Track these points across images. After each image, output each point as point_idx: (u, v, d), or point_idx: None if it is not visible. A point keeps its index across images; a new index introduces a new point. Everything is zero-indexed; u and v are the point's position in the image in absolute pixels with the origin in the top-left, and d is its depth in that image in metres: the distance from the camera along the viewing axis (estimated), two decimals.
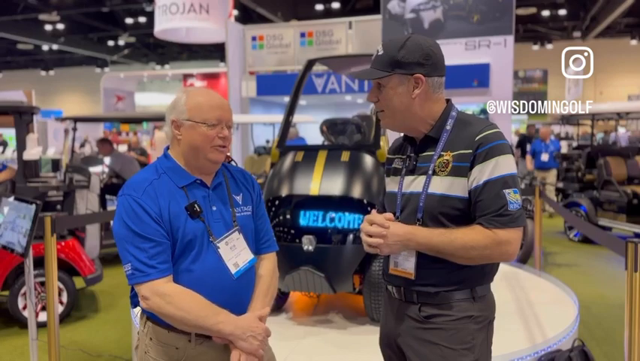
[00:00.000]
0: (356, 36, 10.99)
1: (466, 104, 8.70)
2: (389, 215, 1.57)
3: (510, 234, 1.50)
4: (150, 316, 1.62)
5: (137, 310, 1.71)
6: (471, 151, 1.53)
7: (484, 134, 1.55)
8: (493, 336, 1.67)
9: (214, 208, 1.64)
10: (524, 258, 5.87)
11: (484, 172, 1.51)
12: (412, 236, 1.53)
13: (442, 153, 1.59)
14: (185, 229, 1.56)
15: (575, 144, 12.49)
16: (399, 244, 1.53)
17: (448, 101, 1.67)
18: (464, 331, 1.57)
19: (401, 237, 1.53)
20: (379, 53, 1.61)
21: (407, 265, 1.61)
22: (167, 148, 1.70)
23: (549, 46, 21.90)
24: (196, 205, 1.59)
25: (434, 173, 1.58)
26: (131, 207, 1.56)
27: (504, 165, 1.52)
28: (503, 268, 4.79)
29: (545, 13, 18.38)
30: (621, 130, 15.66)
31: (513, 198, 1.51)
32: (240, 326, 1.57)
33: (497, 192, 1.50)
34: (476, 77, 9.10)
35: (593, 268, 6.44)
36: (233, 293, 1.63)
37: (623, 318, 2.37)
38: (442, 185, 1.56)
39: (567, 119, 11.02)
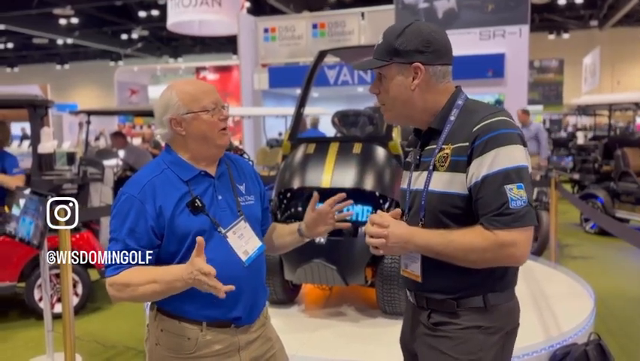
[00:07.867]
0: (369, 26, 10.89)
1: (481, 94, 8.61)
2: (396, 212, 1.48)
3: (513, 235, 1.34)
4: (160, 307, 1.63)
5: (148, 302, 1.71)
6: (468, 144, 1.39)
7: (484, 123, 1.39)
8: (512, 348, 1.54)
9: (220, 198, 1.64)
10: (540, 251, 5.80)
11: (482, 166, 1.36)
12: (411, 237, 1.42)
13: (443, 146, 1.46)
14: (189, 225, 1.56)
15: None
16: (396, 246, 1.42)
17: (456, 87, 1.53)
18: (471, 341, 1.46)
19: (399, 238, 1.42)
20: (379, 42, 1.51)
21: (414, 267, 1.53)
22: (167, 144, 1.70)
23: (565, 35, 21.54)
24: (197, 201, 1.59)
25: (434, 168, 1.46)
26: (128, 208, 1.56)
27: (505, 156, 1.36)
28: None
29: (562, 1, 18.01)
30: None
31: (515, 194, 1.34)
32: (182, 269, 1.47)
33: (497, 188, 1.35)
34: (491, 67, 8.98)
35: (610, 260, 6.35)
36: (246, 281, 1.63)
37: None
38: (441, 181, 1.44)
39: (583, 110, 10.85)
